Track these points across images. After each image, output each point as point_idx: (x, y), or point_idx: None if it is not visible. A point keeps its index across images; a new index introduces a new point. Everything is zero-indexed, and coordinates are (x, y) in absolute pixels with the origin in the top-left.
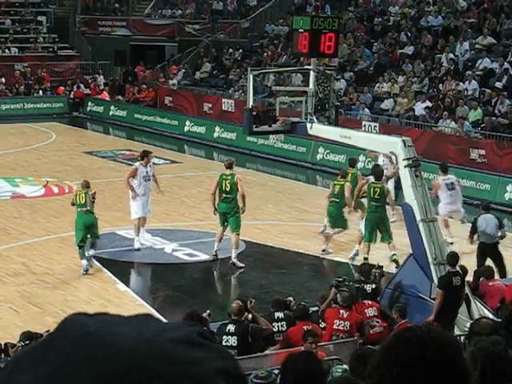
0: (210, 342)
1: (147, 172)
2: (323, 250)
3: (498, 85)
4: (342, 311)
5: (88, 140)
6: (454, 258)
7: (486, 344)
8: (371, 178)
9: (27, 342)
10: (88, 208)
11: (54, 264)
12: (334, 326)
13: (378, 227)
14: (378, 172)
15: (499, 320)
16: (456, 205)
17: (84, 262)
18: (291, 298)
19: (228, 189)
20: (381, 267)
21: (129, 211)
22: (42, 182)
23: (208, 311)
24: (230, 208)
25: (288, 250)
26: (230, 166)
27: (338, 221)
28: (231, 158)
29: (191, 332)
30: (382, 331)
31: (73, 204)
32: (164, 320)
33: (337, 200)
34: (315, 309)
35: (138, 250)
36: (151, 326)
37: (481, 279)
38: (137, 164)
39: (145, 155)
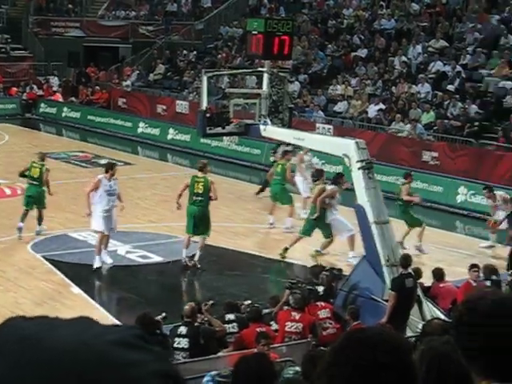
0: (148, 344)
1: (111, 186)
2: (271, 224)
3: (451, 88)
4: (293, 313)
5: (41, 141)
6: (406, 259)
7: (436, 344)
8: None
9: None
10: (37, 182)
11: (6, 266)
12: (286, 328)
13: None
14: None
15: (450, 321)
16: None
17: (20, 224)
18: (246, 302)
19: (201, 191)
20: (336, 269)
21: (82, 214)
22: None
23: (164, 314)
24: (201, 211)
25: (241, 252)
26: (202, 169)
27: (283, 199)
28: (203, 160)
29: (129, 334)
30: (335, 333)
31: (22, 175)
32: (107, 322)
33: (278, 178)
34: (268, 311)
35: (99, 268)
36: (90, 328)
37: (432, 281)
38: (100, 176)
39: (109, 167)
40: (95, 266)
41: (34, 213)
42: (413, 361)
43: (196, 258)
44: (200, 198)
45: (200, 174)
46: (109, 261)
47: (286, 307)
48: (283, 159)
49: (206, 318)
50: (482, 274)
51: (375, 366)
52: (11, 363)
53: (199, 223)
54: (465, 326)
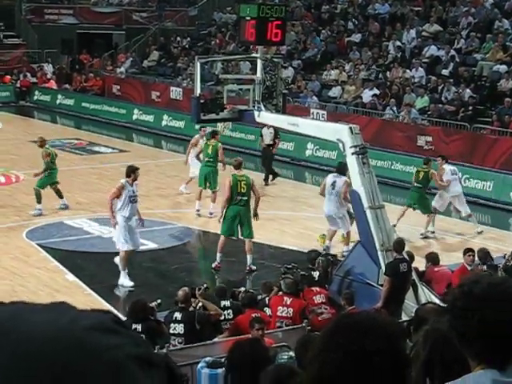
0: (124, 328)
1: (134, 191)
2: (210, 213)
3: (445, 72)
4: (285, 298)
5: (35, 129)
6: (400, 244)
7: (440, 325)
8: None
9: None
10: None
11: (1, 254)
12: (278, 313)
13: None
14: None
15: (445, 305)
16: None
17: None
18: (243, 289)
19: (244, 190)
20: (331, 255)
21: (78, 201)
22: None
23: (158, 301)
24: (244, 211)
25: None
26: (239, 166)
27: (212, 181)
28: (239, 157)
29: (105, 319)
30: (330, 318)
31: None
32: (102, 309)
33: (211, 159)
34: (260, 297)
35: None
36: (65, 313)
37: (427, 265)
38: (123, 181)
39: (131, 171)
40: (125, 284)
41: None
42: (404, 347)
43: (248, 262)
44: (243, 198)
45: (239, 172)
46: (129, 284)
47: (280, 292)
48: (213, 140)
49: (200, 303)
50: (477, 259)
51: (366, 351)
52: None
53: (244, 225)
54: (459, 310)
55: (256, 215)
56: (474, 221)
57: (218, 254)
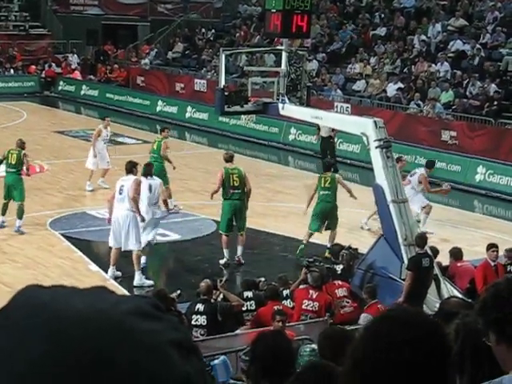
0: (163, 314)
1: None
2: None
3: (470, 67)
4: (311, 291)
5: (59, 119)
6: (422, 239)
7: (470, 319)
8: None
9: None
10: (14, 170)
11: (25, 243)
12: (303, 306)
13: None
14: (326, 164)
15: (469, 300)
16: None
17: (1, 218)
18: (262, 279)
19: (237, 183)
20: (353, 249)
21: (100, 191)
22: None
23: (178, 291)
24: (240, 205)
25: (259, 231)
26: (230, 159)
27: (161, 177)
28: (229, 151)
29: (145, 303)
30: (352, 311)
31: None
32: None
33: (155, 155)
34: None
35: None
36: (105, 298)
37: (449, 260)
38: (140, 177)
39: (134, 166)
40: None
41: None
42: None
43: (239, 253)
44: (237, 191)
45: (231, 165)
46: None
47: (302, 285)
48: (161, 135)
49: (221, 295)
50: (504, 258)
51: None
52: (25, 331)
53: (239, 220)
54: (492, 312)
55: (246, 208)
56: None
57: (225, 251)
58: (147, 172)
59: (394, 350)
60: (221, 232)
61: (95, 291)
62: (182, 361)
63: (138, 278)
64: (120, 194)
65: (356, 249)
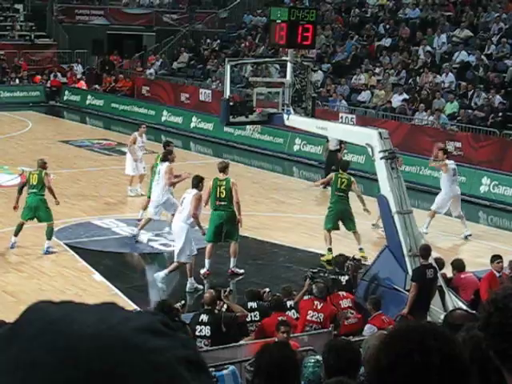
0: (173, 330)
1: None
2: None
3: (475, 78)
4: (316, 302)
5: (64, 129)
6: (426, 250)
7: (477, 332)
8: None
9: None
10: (36, 190)
11: (29, 253)
12: (308, 317)
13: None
14: (344, 163)
15: (473, 312)
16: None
17: (13, 238)
18: (267, 289)
19: (223, 195)
20: (357, 259)
21: (106, 201)
22: (18, 171)
23: (183, 301)
24: (226, 216)
25: (263, 241)
26: (223, 170)
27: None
28: (225, 160)
29: (154, 321)
30: (356, 322)
31: (23, 186)
32: (130, 309)
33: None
34: None
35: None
36: (114, 314)
37: (452, 272)
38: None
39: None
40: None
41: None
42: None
43: (231, 265)
44: (223, 203)
45: (222, 176)
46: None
47: (306, 296)
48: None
49: (225, 306)
50: (509, 269)
51: (425, 350)
52: (25, 347)
53: (227, 229)
54: (495, 327)
55: (239, 221)
56: (464, 224)
57: (207, 261)
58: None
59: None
60: (204, 241)
61: (105, 307)
62: (191, 378)
63: (191, 284)
64: (181, 205)
65: (360, 259)
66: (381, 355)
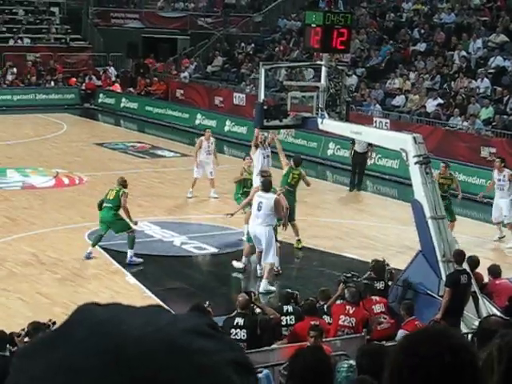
0: (219, 333)
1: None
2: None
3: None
4: (348, 307)
5: (99, 131)
6: (460, 256)
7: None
8: None
9: (34, 332)
10: (111, 205)
11: (64, 255)
12: (340, 322)
13: None
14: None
15: (508, 318)
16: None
17: (90, 248)
18: (297, 292)
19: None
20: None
21: (139, 204)
22: (53, 173)
23: (207, 302)
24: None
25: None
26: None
27: None
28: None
29: (201, 323)
30: (389, 327)
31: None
32: (172, 311)
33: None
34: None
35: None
36: (162, 316)
37: (488, 277)
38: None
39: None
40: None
41: None
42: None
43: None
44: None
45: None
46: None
47: (339, 301)
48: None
49: (257, 309)
50: None
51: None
52: (74, 348)
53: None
54: None
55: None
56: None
57: (244, 258)
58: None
59: (421, 365)
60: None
61: (152, 309)
62: (240, 380)
63: (265, 285)
64: (258, 210)
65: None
66: (400, 357)
